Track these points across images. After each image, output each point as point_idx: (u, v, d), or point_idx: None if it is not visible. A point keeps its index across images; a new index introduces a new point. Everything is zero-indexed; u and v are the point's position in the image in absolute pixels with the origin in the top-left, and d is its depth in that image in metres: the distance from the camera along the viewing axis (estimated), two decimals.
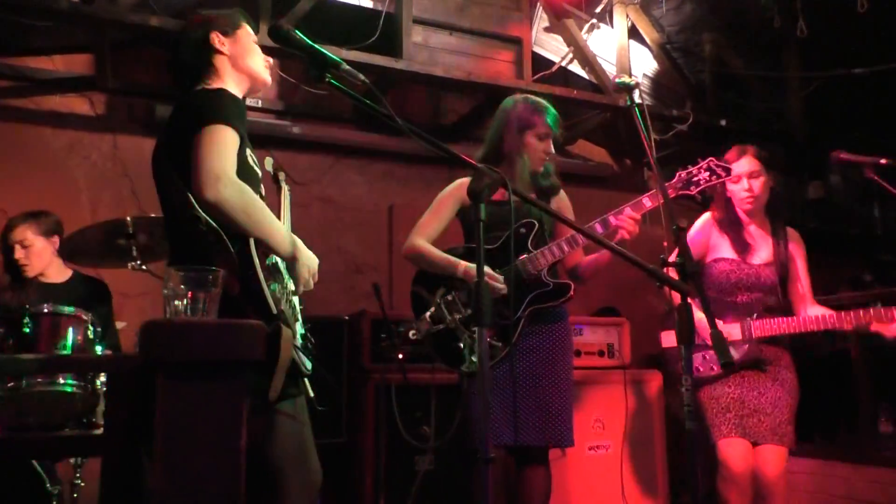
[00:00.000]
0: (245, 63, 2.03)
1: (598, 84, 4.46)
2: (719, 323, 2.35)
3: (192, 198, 1.72)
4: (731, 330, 2.80)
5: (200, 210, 1.72)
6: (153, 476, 1.03)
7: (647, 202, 2.55)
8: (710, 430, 2.81)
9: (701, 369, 2.82)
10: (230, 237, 1.73)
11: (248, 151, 1.93)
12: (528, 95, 2.81)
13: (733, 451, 2.74)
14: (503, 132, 2.71)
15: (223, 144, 1.74)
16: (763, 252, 2.92)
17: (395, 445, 3.31)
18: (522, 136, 2.68)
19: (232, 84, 2.00)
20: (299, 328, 1.95)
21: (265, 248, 1.80)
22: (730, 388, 2.80)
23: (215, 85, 1.97)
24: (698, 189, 2.55)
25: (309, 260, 1.95)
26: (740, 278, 2.85)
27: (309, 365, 1.91)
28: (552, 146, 2.72)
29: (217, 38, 2.00)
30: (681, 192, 2.57)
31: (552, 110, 2.74)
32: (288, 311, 1.83)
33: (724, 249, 2.90)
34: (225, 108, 1.81)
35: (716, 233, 2.93)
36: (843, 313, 2.70)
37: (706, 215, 2.95)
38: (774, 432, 2.76)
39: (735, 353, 2.73)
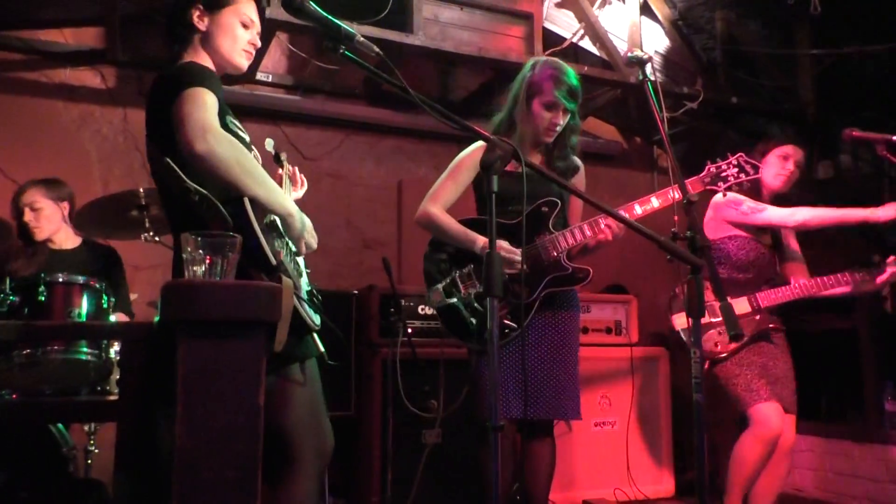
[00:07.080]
0: (217, 43, 1.95)
1: (608, 60, 4.42)
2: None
3: (179, 171, 1.67)
4: (739, 304, 2.85)
5: (191, 170, 1.67)
6: (175, 435, 1.06)
7: (655, 201, 2.46)
8: (744, 397, 2.81)
9: (719, 346, 2.88)
10: (223, 202, 1.67)
11: (230, 118, 1.89)
12: (554, 59, 2.59)
13: (773, 412, 2.76)
14: (517, 96, 2.56)
15: (204, 103, 1.70)
16: (767, 231, 3.04)
17: (402, 419, 3.35)
18: (530, 102, 2.51)
19: (206, 61, 1.95)
20: (304, 285, 1.91)
21: (261, 207, 1.74)
22: (754, 356, 2.87)
23: (188, 60, 1.93)
24: (726, 185, 2.48)
25: (304, 217, 1.89)
26: (757, 256, 2.97)
27: (318, 320, 1.87)
28: (561, 118, 2.50)
29: (196, 14, 1.94)
30: (709, 188, 2.50)
31: (569, 81, 2.49)
32: (290, 266, 1.80)
33: (737, 228, 2.98)
34: (197, 75, 1.77)
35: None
36: (839, 275, 2.85)
37: (718, 196, 2.95)
38: (792, 402, 2.87)
39: (747, 327, 2.82)
